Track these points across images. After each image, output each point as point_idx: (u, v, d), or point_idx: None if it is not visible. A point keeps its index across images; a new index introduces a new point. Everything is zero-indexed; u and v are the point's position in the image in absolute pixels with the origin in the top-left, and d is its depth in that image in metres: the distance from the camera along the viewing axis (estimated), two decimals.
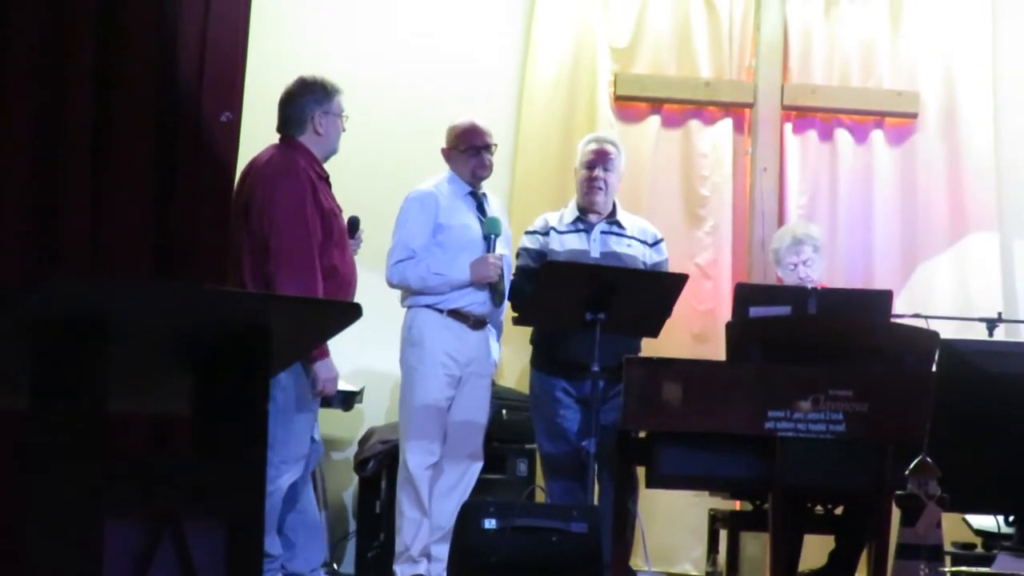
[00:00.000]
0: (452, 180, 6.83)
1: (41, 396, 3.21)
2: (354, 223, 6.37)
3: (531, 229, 7.05)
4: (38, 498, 3.18)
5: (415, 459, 6.63)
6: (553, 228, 6.98)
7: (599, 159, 6.94)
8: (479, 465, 6.79)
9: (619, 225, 6.95)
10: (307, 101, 6.18)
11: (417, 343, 6.69)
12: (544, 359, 6.93)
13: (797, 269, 7.06)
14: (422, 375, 6.66)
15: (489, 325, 6.83)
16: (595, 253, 6.86)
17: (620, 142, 7.18)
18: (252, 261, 6.02)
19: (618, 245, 6.88)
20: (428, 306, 6.67)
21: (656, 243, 7.00)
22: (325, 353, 6.00)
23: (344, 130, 6.26)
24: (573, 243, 6.91)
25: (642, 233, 6.99)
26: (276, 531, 5.99)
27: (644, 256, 6.91)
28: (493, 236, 6.69)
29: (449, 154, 6.86)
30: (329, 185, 6.19)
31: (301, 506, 6.14)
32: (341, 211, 6.23)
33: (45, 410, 3.20)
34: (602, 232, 6.92)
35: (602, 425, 6.25)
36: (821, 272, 7.16)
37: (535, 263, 6.83)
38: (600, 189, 6.91)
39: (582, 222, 6.95)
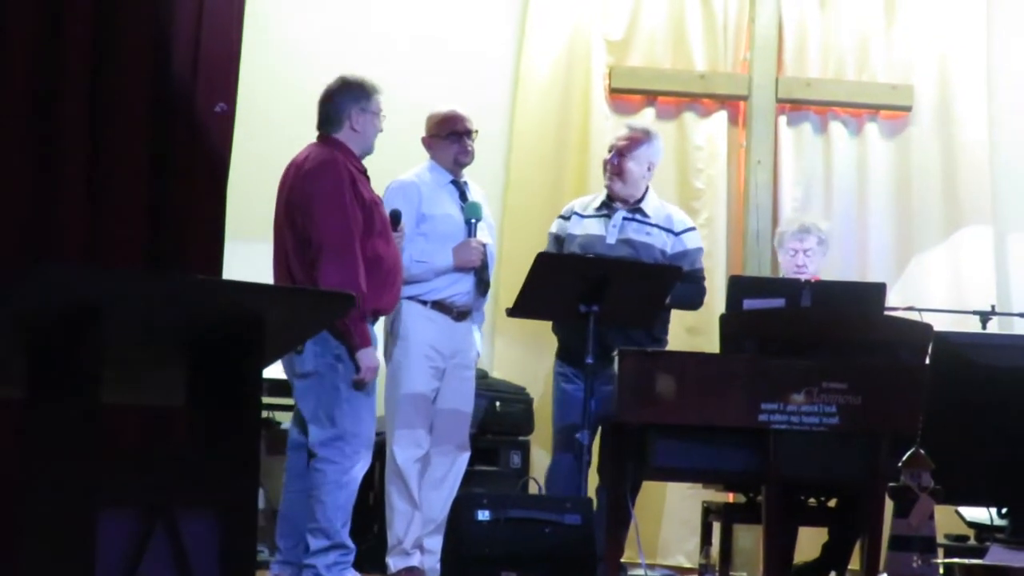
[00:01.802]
0: (433, 169, 6.81)
1: (35, 387, 3.21)
2: (396, 216, 6.37)
3: (560, 214, 7.08)
4: (32, 488, 3.18)
5: (403, 452, 6.62)
6: (576, 213, 6.99)
7: (617, 147, 6.93)
8: (467, 455, 6.79)
9: (643, 213, 6.92)
10: (345, 99, 6.17)
11: (401, 336, 6.67)
12: (562, 349, 6.95)
13: (796, 256, 7.07)
14: (407, 368, 6.65)
15: (472, 315, 6.81)
16: (611, 239, 6.84)
17: (654, 130, 7.15)
18: (301, 259, 6.01)
19: (637, 233, 6.86)
20: (411, 298, 6.64)
21: (682, 232, 6.95)
22: (368, 342, 6.01)
23: (381, 129, 6.26)
24: (592, 228, 6.90)
25: (667, 221, 6.95)
26: (344, 524, 6.00)
27: (665, 245, 6.87)
28: (474, 221, 6.67)
29: (430, 142, 6.85)
30: (368, 179, 6.19)
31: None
32: (382, 202, 6.23)
33: (39, 400, 3.20)
34: (624, 219, 6.89)
35: (598, 416, 6.26)
36: (818, 266, 7.16)
37: (554, 249, 6.91)
38: (615, 176, 6.90)
39: (607, 207, 6.95)
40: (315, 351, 5.95)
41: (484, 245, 6.69)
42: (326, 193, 5.97)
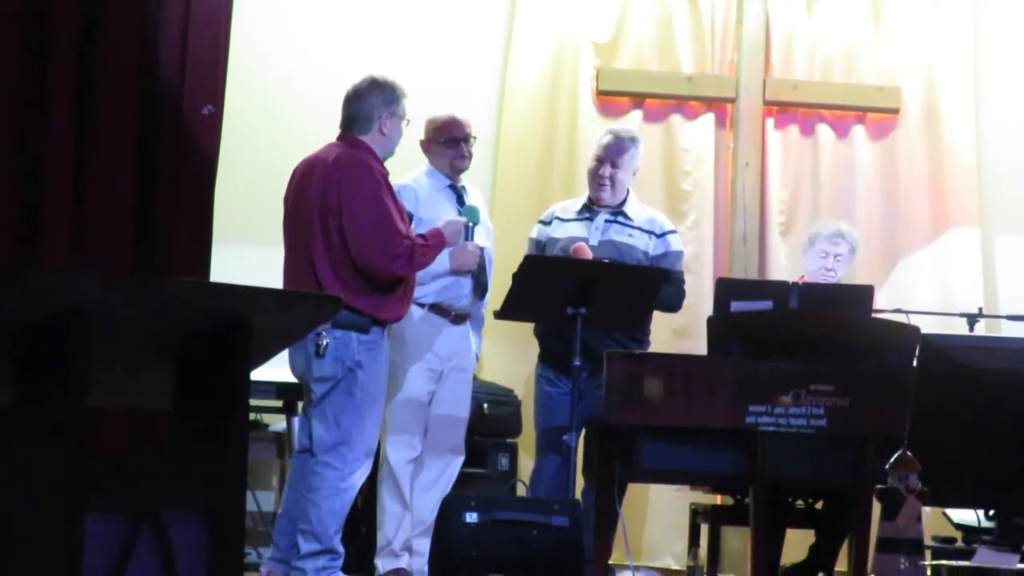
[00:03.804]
0: (431, 174, 6.82)
1: (21, 390, 3.20)
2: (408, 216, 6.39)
3: (540, 219, 7.08)
4: (19, 491, 3.18)
5: (396, 454, 6.63)
6: (558, 217, 6.99)
7: (608, 155, 6.91)
8: (460, 459, 6.79)
9: (625, 215, 6.92)
10: (377, 101, 6.17)
11: (398, 338, 6.67)
12: (544, 352, 6.96)
13: (827, 259, 7.08)
14: (403, 370, 6.65)
15: (470, 318, 6.82)
16: (594, 241, 6.83)
17: (638, 134, 7.15)
18: (332, 262, 6.01)
19: (619, 235, 6.86)
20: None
21: (664, 234, 6.94)
22: (442, 241, 6.25)
23: (403, 134, 6.25)
24: (574, 231, 6.90)
25: (649, 223, 6.95)
26: (337, 531, 6.03)
27: (647, 247, 6.87)
28: (471, 224, 6.67)
29: (428, 146, 6.84)
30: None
31: None
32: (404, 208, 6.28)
33: (25, 403, 3.19)
34: (606, 221, 6.88)
35: (581, 418, 6.26)
36: (844, 274, 7.16)
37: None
38: (605, 186, 6.89)
39: (588, 210, 6.94)
40: (335, 356, 5.97)
41: (481, 249, 6.68)
42: (367, 196, 5.98)
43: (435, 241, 6.18)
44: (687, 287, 7.10)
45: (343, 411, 6.01)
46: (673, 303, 6.87)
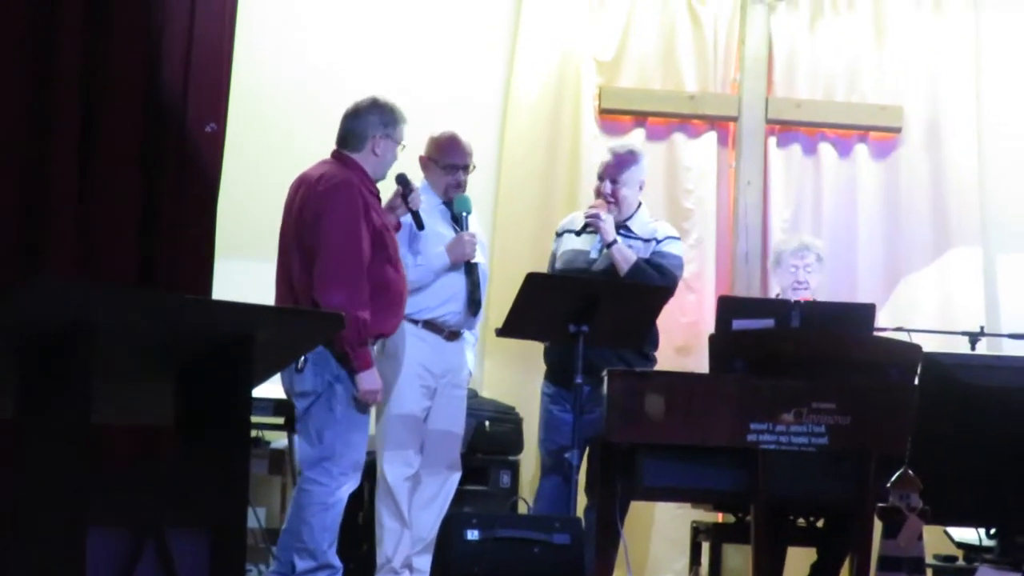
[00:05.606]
0: (426, 190, 6.79)
1: (25, 404, 3.21)
2: (404, 180, 6.35)
3: (556, 230, 7.15)
4: (22, 505, 3.18)
5: (393, 471, 6.61)
6: (568, 230, 7.04)
7: (608, 172, 6.96)
8: (457, 475, 6.78)
9: (627, 229, 6.93)
10: (374, 120, 6.13)
11: (392, 355, 6.65)
12: (550, 370, 6.97)
13: (797, 272, 7.14)
14: (398, 387, 6.62)
15: (465, 334, 6.81)
16: (594, 254, 6.88)
17: (638, 148, 7.19)
18: (306, 279, 5.95)
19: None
20: (403, 317, 6.63)
21: (663, 240, 6.94)
22: (368, 365, 5.97)
23: (396, 159, 6.24)
24: (578, 244, 6.96)
25: (650, 233, 6.96)
26: (330, 544, 6.01)
27: (646, 255, 6.90)
28: (464, 214, 6.66)
29: (426, 164, 6.83)
30: (380, 201, 6.17)
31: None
32: (393, 227, 6.23)
33: (29, 418, 3.20)
34: None
35: (584, 437, 6.26)
36: (817, 284, 7.20)
37: (550, 269, 7.02)
38: (610, 203, 6.91)
39: None
40: (314, 371, 5.95)
41: (475, 236, 6.69)
42: (338, 218, 5.93)
43: (358, 358, 5.96)
44: (689, 304, 7.09)
45: (325, 425, 5.98)
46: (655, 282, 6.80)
